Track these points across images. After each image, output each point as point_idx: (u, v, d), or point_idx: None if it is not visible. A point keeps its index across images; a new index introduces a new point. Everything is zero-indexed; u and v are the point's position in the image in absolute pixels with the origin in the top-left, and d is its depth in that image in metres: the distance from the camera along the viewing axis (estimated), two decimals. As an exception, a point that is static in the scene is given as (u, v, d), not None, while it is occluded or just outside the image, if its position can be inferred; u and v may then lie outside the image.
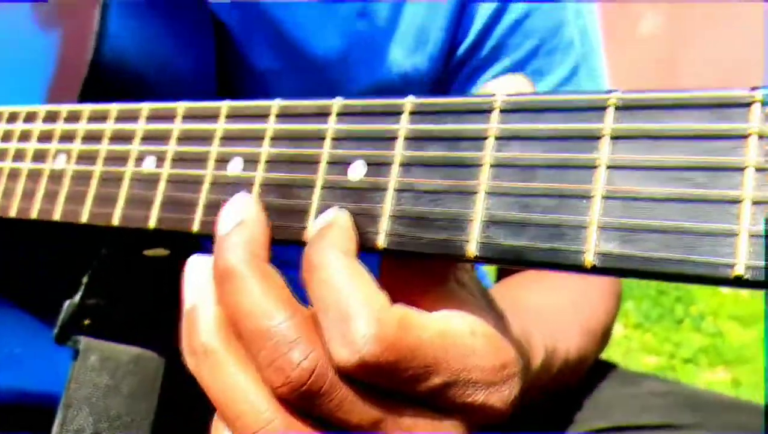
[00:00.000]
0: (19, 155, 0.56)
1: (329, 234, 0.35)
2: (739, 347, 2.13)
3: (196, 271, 0.38)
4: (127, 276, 0.57)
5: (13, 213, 0.55)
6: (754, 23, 4.76)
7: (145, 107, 0.49)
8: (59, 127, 0.54)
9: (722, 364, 2.03)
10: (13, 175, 0.56)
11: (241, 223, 0.37)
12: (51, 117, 0.56)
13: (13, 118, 0.59)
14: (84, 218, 0.49)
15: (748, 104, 0.28)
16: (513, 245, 0.32)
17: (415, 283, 0.36)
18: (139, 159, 0.48)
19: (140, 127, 0.49)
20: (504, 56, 0.68)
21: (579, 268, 0.30)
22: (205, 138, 0.45)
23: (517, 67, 0.68)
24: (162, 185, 0.46)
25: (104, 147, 0.50)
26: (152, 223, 0.45)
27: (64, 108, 0.55)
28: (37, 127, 0.56)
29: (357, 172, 0.37)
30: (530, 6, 0.67)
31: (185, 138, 0.46)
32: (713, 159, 0.28)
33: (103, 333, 0.58)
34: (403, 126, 0.37)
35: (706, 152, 0.28)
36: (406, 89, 0.71)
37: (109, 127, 0.51)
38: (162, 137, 0.47)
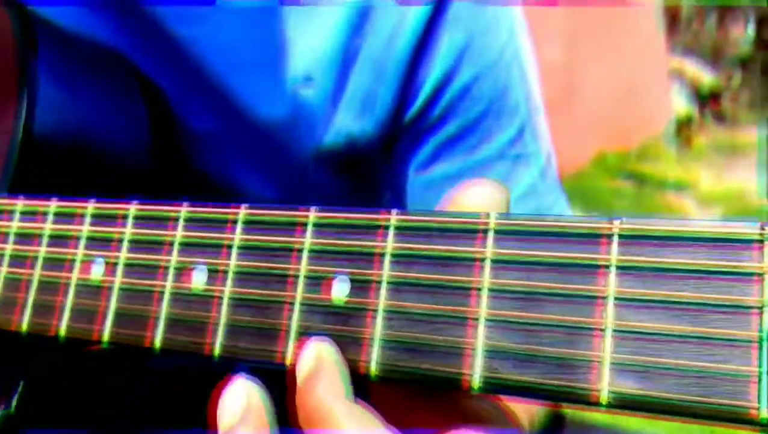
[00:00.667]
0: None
1: (323, 378, 0.33)
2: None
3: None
4: (67, 376, 0.53)
5: None
6: (644, 50, 5.01)
7: (91, 206, 0.45)
8: (-13, 222, 0.50)
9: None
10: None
11: (247, 411, 0.35)
12: (-24, 209, 0.51)
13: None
14: (24, 327, 0.45)
15: (760, 242, 0.28)
16: (520, 378, 0.31)
17: (419, 404, 0.35)
18: (86, 264, 0.44)
19: (85, 229, 0.45)
20: (454, 119, 0.68)
21: (593, 405, 0.29)
22: (162, 244, 0.42)
23: (466, 130, 0.68)
24: (114, 296, 0.42)
25: (43, 249, 0.46)
26: (106, 337, 0.42)
27: (-8, 201, 0.50)
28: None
29: (341, 291, 0.36)
30: (478, 71, 0.67)
31: (138, 243, 0.43)
32: (726, 297, 0.28)
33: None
34: (390, 243, 0.35)
35: (718, 289, 0.28)
36: (352, 150, 0.69)
37: (48, 226, 0.47)
38: (111, 241, 0.44)
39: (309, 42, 0.66)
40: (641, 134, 4.87)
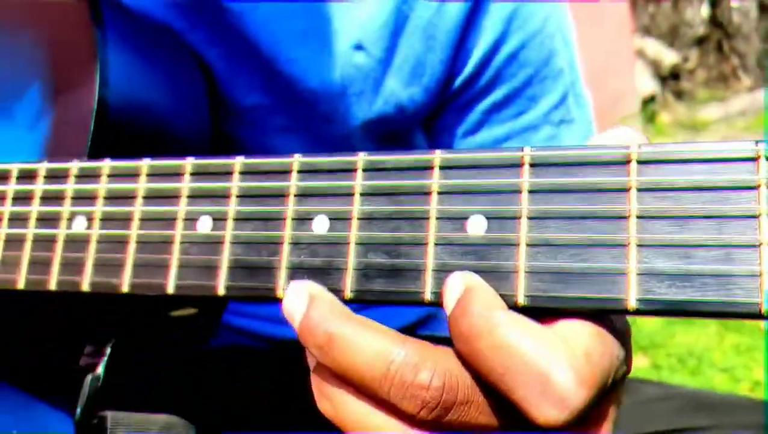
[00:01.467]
0: (21, 218, 0.51)
1: (476, 297, 0.34)
2: (650, 333, 2.27)
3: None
4: (153, 340, 0.53)
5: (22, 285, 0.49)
6: (612, 33, 5.09)
7: (190, 163, 0.45)
8: (70, 187, 0.49)
9: (640, 351, 2.16)
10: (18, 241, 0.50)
11: (312, 298, 0.36)
12: (54, 175, 0.51)
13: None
14: (127, 288, 0.45)
15: None
16: (676, 298, 0.32)
17: None
18: (192, 220, 0.44)
19: (187, 185, 0.45)
20: (500, 86, 0.69)
21: (756, 317, 0.31)
22: (277, 194, 0.42)
23: (513, 96, 0.69)
24: (227, 249, 0.43)
25: (139, 208, 0.46)
26: (221, 290, 0.42)
27: (74, 165, 0.50)
28: (37, 187, 0.51)
29: (477, 227, 0.36)
30: (525, 38, 0.68)
31: (249, 195, 0.43)
32: None
33: (128, 403, 0.53)
34: (526, 179, 0.36)
35: None
36: (400, 120, 0.70)
37: (144, 185, 0.47)
38: (217, 195, 0.44)
39: (359, 10, 0.66)
40: (612, 115, 4.96)
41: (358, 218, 0.39)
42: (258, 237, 0.42)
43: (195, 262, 0.44)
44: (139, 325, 0.52)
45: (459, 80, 0.69)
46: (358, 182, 0.40)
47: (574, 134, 0.72)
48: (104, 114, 0.53)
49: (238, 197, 0.43)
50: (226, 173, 0.44)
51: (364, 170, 0.40)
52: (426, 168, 0.38)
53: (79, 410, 0.51)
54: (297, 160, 0.42)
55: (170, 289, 0.44)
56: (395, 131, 0.72)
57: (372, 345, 0.34)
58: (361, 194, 0.40)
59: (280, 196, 0.42)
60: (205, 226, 0.44)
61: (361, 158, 0.40)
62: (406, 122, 0.71)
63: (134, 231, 0.46)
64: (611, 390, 0.34)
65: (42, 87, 0.56)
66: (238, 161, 0.44)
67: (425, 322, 0.81)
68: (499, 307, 0.33)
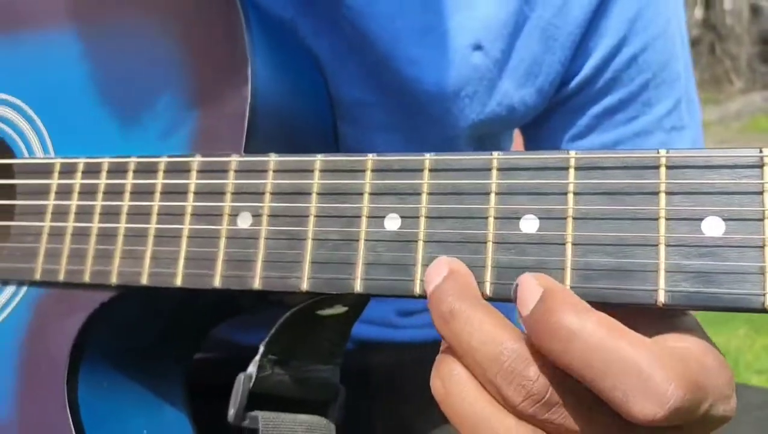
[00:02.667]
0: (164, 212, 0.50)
1: (564, 298, 0.34)
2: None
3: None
4: (302, 338, 0.52)
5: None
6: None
7: (371, 159, 0.44)
8: (231, 182, 0.48)
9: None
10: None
11: (451, 272, 0.38)
12: (210, 169, 0.49)
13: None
14: (306, 286, 0.44)
15: None
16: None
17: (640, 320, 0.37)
18: (377, 217, 0.43)
19: (368, 181, 0.44)
20: (616, 90, 0.68)
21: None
22: (480, 193, 0.41)
23: (628, 100, 0.68)
24: (421, 246, 0.42)
25: (314, 205, 0.45)
26: (417, 291, 0.41)
27: (234, 160, 0.49)
28: (190, 181, 0.50)
29: (715, 229, 0.36)
30: (646, 41, 0.67)
31: (442, 193, 0.42)
32: None
33: (274, 404, 0.52)
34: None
35: None
36: (507, 122, 0.69)
37: (317, 182, 0.46)
38: (408, 193, 0.43)
39: (480, 9, 0.65)
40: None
41: (574, 218, 0.39)
42: (457, 236, 0.41)
43: (384, 260, 0.43)
44: (292, 322, 0.50)
45: (574, 82, 0.68)
46: (572, 181, 0.39)
47: (684, 141, 0.71)
48: (254, 115, 0.52)
49: (429, 194, 0.42)
50: (414, 170, 0.43)
51: (577, 169, 0.39)
52: (649, 167, 0.38)
53: (233, 411, 0.50)
54: (497, 157, 0.41)
55: (358, 288, 0.43)
56: (493, 133, 0.71)
57: (489, 328, 0.36)
58: (575, 193, 0.39)
59: (481, 194, 0.41)
60: (392, 224, 0.43)
61: (573, 156, 0.39)
62: (511, 124, 0.70)
63: (310, 228, 0.45)
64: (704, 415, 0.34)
65: (179, 93, 0.54)
66: (428, 158, 0.43)
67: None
68: (587, 309, 0.34)
